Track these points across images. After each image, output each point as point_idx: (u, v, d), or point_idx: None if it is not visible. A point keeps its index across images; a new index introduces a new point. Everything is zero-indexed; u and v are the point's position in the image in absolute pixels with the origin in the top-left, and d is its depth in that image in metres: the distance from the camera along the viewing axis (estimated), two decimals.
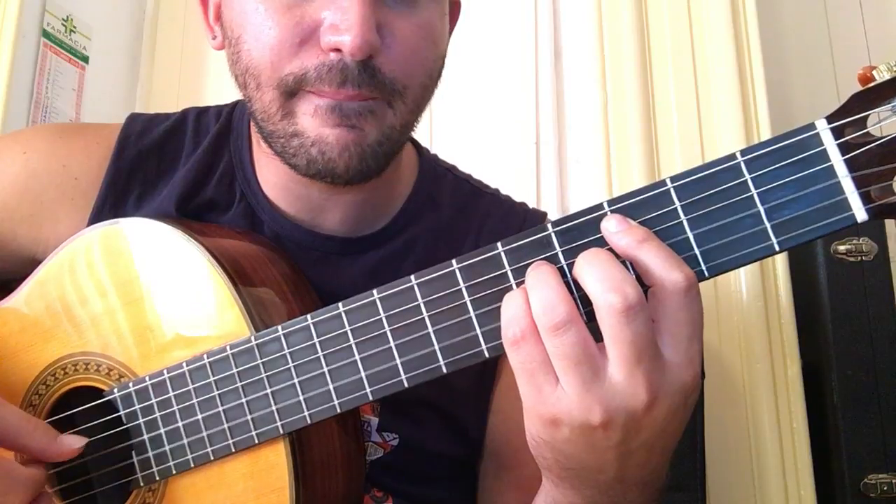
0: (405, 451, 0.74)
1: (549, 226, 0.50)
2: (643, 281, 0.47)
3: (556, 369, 0.47)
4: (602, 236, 0.49)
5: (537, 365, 0.48)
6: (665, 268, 0.46)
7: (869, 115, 0.46)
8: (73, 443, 0.62)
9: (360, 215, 0.75)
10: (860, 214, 0.46)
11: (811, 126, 0.47)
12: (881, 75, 0.46)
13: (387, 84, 0.63)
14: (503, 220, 0.82)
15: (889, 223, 1.29)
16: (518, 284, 0.51)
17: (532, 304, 0.48)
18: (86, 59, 1.80)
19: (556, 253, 0.50)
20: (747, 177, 0.47)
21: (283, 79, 0.63)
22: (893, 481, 1.18)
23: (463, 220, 0.81)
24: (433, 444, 0.75)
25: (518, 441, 0.74)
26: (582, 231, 0.50)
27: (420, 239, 0.78)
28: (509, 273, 0.51)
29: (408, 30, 0.64)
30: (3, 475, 0.58)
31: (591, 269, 0.47)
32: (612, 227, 0.48)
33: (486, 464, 0.78)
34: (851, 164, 0.46)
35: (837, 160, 0.46)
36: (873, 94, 0.46)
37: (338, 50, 0.61)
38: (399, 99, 0.65)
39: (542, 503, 0.58)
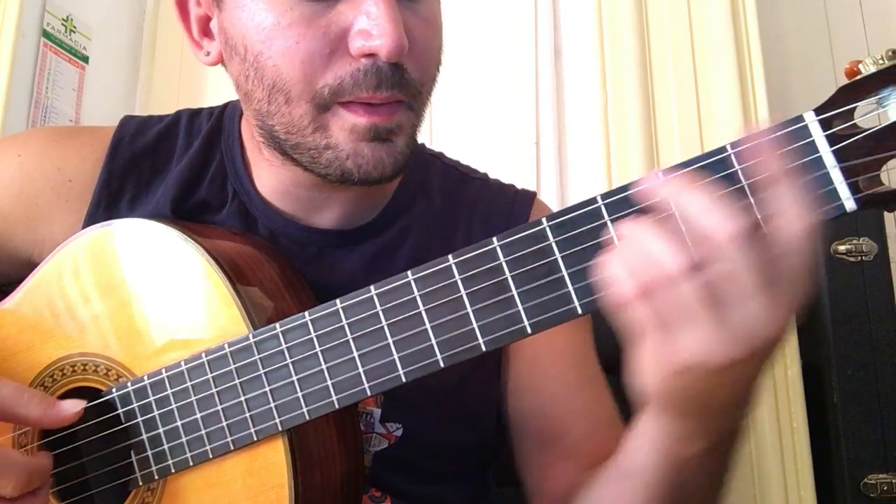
0: (410, 442, 0.73)
1: (544, 220, 0.51)
2: (765, 221, 0.46)
3: (687, 315, 0.45)
4: (597, 228, 0.49)
5: (664, 318, 0.46)
6: (792, 215, 0.45)
7: (856, 107, 0.47)
8: (71, 407, 0.61)
9: (355, 209, 0.76)
10: (849, 204, 0.46)
11: (799, 118, 0.47)
12: (867, 69, 0.47)
13: (411, 84, 0.64)
14: (493, 202, 0.82)
15: (889, 223, 1.29)
16: (513, 279, 0.51)
17: (645, 255, 0.46)
18: (86, 59, 1.81)
19: (551, 244, 0.50)
20: (737, 167, 0.48)
21: (318, 91, 0.63)
22: (893, 481, 1.17)
23: (453, 207, 0.81)
24: (439, 433, 0.75)
25: (556, 411, 0.75)
26: (576, 224, 0.50)
27: (414, 227, 0.78)
28: (504, 266, 0.51)
29: (421, 26, 0.65)
30: None
31: (696, 203, 0.46)
32: (651, 182, 0.48)
33: (525, 446, 0.77)
34: (839, 155, 0.46)
35: (826, 151, 0.47)
36: (859, 87, 0.47)
37: (370, 55, 0.61)
38: (419, 98, 0.66)
39: (651, 439, 0.56)
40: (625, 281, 0.46)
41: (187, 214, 0.76)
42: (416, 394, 0.69)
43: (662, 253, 0.45)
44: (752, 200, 0.47)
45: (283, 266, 0.71)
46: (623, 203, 0.49)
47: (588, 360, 0.78)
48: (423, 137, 0.88)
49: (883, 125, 0.46)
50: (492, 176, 0.87)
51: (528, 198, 0.84)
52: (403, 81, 0.63)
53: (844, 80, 0.48)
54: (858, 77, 0.47)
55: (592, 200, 0.50)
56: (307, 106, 0.64)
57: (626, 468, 0.59)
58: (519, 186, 0.86)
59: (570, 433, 0.74)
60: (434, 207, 0.80)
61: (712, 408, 0.51)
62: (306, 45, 0.62)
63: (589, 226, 0.50)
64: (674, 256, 0.45)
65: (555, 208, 1.57)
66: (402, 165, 0.67)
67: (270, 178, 0.75)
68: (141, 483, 0.64)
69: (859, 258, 1.24)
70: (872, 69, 0.47)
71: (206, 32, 0.71)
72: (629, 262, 0.46)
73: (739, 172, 0.48)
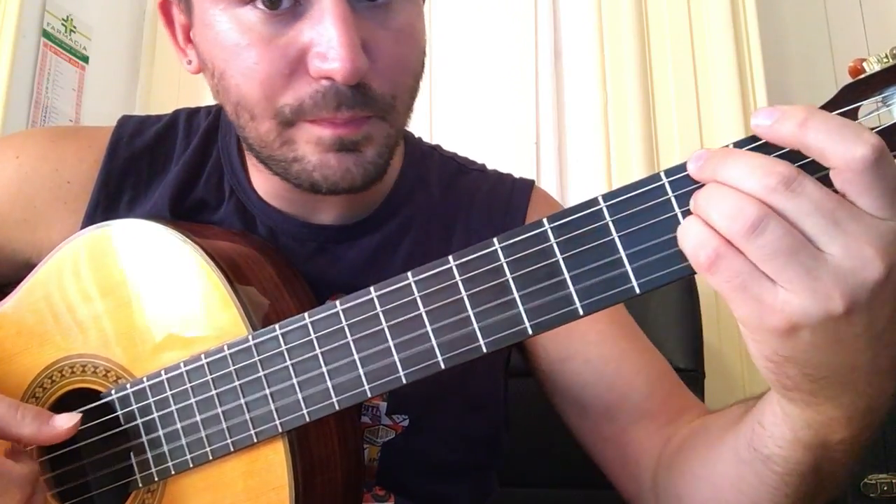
0: (417, 432, 0.73)
1: (545, 221, 0.50)
2: (822, 163, 0.43)
3: (771, 271, 0.42)
4: (599, 229, 0.49)
5: (746, 276, 0.43)
6: (843, 143, 0.41)
7: (859, 106, 0.45)
8: (66, 422, 0.60)
9: (353, 205, 0.76)
10: None
11: None
12: (871, 67, 0.46)
13: (378, 99, 0.63)
14: (491, 192, 0.82)
15: None
16: (514, 280, 0.51)
17: (713, 219, 0.44)
18: (86, 59, 1.81)
19: (552, 245, 0.50)
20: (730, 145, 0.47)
21: (279, 110, 0.62)
22: (893, 481, 1.17)
23: (452, 198, 0.81)
24: (445, 422, 0.75)
25: (609, 373, 0.73)
26: (577, 225, 0.50)
27: (415, 219, 0.78)
28: (505, 267, 0.51)
29: (389, 40, 0.63)
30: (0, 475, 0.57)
31: (736, 167, 0.44)
32: (765, 120, 0.44)
33: (589, 421, 0.75)
34: None
35: None
36: (863, 86, 0.46)
37: (329, 78, 0.60)
38: (391, 110, 0.65)
39: (788, 430, 0.51)
40: (692, 255, 0.45)
41: (185, 214, 0.76)
42: (421, 385, 0.69)
43: (720, 219, 0.43)
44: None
45: (281, 265, 0.71)
46: (624, 203, 0.49)
47: (623, 315, 0.77)
48: (423, 137, 0.88)
49: (886, 125, 0.45)
50: None
51: (527, 185, 0.84)
52: (367, 100, 0.62)
53: (844, 80, 0.47)
54: (863, 76, 0.46)
55: (594, 201, 0.50)
56: (271, 122, 0.63)
57: (754, 455, 0.55)
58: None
59: (633, 391, 0.72)
60: (433, 199, 0.80)
61: (843, 382, 0.46)
62: (265, 66, 0.61)
63: (591, 227, 0.49)
64: (735, 220, 0.42)
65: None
66: (375, 175, 0.66)
67: (265, 181, 0.75)
68: (141, 485, 0.64)
69: None
70: (877, 67, 0.46)
71: (189, 40, 0.71)
72: (688, 239, 0.45)
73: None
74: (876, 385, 0.47)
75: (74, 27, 1.77)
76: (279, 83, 0.61)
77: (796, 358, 0.45)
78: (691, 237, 0.45)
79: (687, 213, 0.47)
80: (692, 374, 1.15)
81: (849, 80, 0.47)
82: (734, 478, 0.58)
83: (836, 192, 0.43)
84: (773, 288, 0.43)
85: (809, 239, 0.42)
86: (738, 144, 0.47)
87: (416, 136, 0.87)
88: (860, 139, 0.41)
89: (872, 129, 0.45)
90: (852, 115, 0.46)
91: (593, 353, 0.74)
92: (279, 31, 0.61)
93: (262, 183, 0.75)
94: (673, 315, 1.19)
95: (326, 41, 0.59)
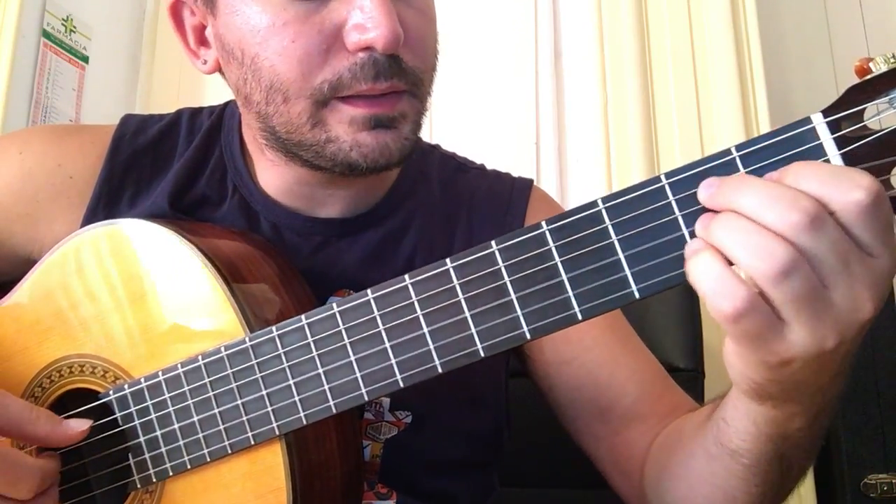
0: (420, 428, 0.74)
1: (544, 223, 0.50)
2: None
3: (785, 314, 0.43)
4: (598, 232, 0.49)
5: (766, 327, 0.43)
6: (839, 190, 0.42)
7: (866, 108, 0.45)
8: (77, 426, 0.61)
9: (357, 199, 0.76)
10: None
11: (807, 120, 0.46)
12: (878, 67, 0.45)
13: (409, 73, 0.65)
14: (491, 190, 0.82)
15: None
16: (512, 284, 0.51)
17: (738, 254, 0.42)
18: (86, 59, 1.81)
19: (550, 249, 0.50)
20: (742, 171, 0.46)
21: (317, 87, 0.63)
22: (893, 481, 1.18)
23: (453, 195, 0.81)
24: (447, 418, 0.75)
25: (603, 376, 0.74)
26: (576, 228, 0.49)
27: (417, 213, 0.79)
28: (503, 271, 0.51)
29: (415, 17, 0.66)
30: (12, 465, 0.58)
31: (756, 197, 0.42)
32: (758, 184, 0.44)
33: (582, 422, 0.76)
34: (848, 159, 0.45)
35: (834, 154, 0.45)
36: (870, 87, 0.45)
37: (366, 48, 0.62)
38: (420, 86, 0.67)
39: (751, 424, 0.53)
40: (716, 301, 0.43)
41: (186, 209, 0.76)
42: (423, 381, 0.69)
43: (748, 256, 0.42)
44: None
45: (281, 265, 0.71)
46: (624, 206, 0.49)
47: (619, 320, 0.78)
48: (423, 137, 0.89)
49: (894, 127, 0.44)
50: None
51: (527, 185, 0.85)
52: (402, 71, 0.64)
53: (844, 80, 0.46)
54: (869, 76, 0.45)
55: (593, 204, 0.49)
56: (305, 103, 0.64)
57: (722, 450, 0.57)
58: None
59: (624, 396, 0.74)
60: (434, 195, 0.81)
61: (812, 389, 0.49)
62: (302, 43, 0.62)
63: (590, 230, 0.49)
64: (764, 261, 0.42)
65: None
66: (409, 151, 0.68)
67: (274, 178, 0.75)
68: (139, 486, 0.64)
69: None
70: (884, 68, 0.45)
71: (202, 41, 0.72)
72: (710, 280, 0.43)
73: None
74: (835, 384, 0.50)
75: (74, 27, 1.77)
76: (317, 60, 0.63)
77: (780, 380, 0.47)
78: (711, 278, 0.43)
79: (689, 217, 0.46)
80: (692, 374, 1.15)
81: (851, 79, 0.46)
82: (706, 473, 0.60)
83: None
84: (782, 330, 0.43)
85: (822, 280, 0.43)
86: (740, 147, 0.46)
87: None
88: (856, 184, 0.42)
89: (879, 132, 0.44)
90: (858, 116, 0.45)
91: (588, 357, 0.75)
92: (314, 10, 0.63)
93: (270, 178, 0.76)
94: (673, 315, 1.19)
95: (366, 12, 0.61)
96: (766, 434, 0.53)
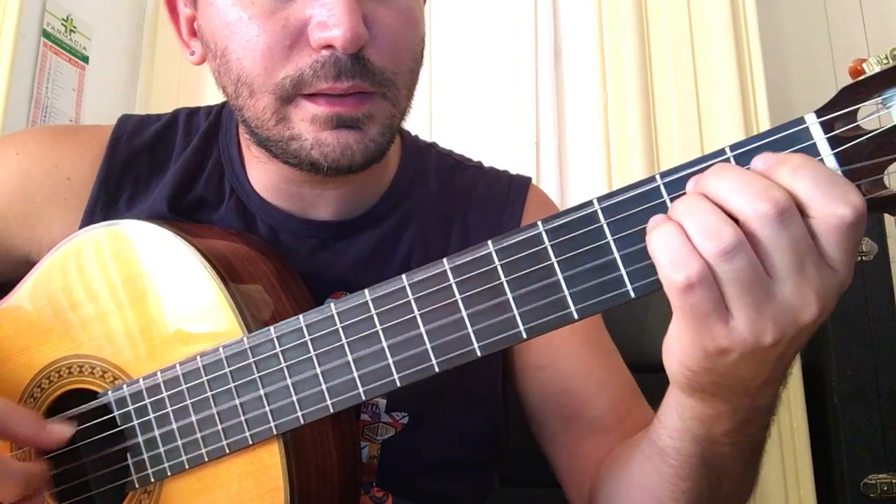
0: (417, 428, 0.74)
1: (540, 223, 0.50)
2: (802, 211, 0.44)
3: (728, 297, 0.44)
4: (593, 232, 0.49)
5: (712, 305, 0.44)
6: (828, 199, 0.43)
7: (859, 108, 0.45)
8: (62, 429, 0.62)
9: (352, 200, 0.76)
10: None
11: (801, 120, 0.46)
12: (871, 68, 0.45)
13: (377, 74, 0.64)
14: (489, 189, 0.82)
15: (889, 223, 1.29)
16: (508, 284, 0.51)
17: (690, 231, 0.44)
18: (86, 59, 1.81)
19: (546, 248, 0.50)
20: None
21: (279, 83, 0.63)
22: (893, 481, 1.18)
23: (450, 194, 0.81)
24: (444, 418, 0.75)
25: (574, 386, 0.75)
26: (572, 227, 0.49)
27: (414, 214, 0.78)
28: (499, 270, 0.51)
29: (390, 18, 0.65)
30: None
31: (729, 183, 0.44)
32: (762, 165, 0.45)
33: (549, 427, 0.77)
34: (842, 158, 0.45)
35: (827, 154, 0.45)
36: (863, 88, 0.45)
37: (329, 46, 0.61)
38: (392, 87, 0.66)
39: (678, 419, 0.55)
40: (668, 269, 0.45)
41: (184, 212, 0.76)
42: (420, 382, 0.69)
43: (697, 233, 0.44)
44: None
45: (278, 265, 0.71)
46: (619, 206, 0.49)
47: (600, 334, 0.79)
48: (423, 137, 0.89)
49: (886, 127, 0.44)
50: None
51: (524, 183, 0.85)
52: (367, 71, 0.63)
53: (844, 80, 0.46)
54: (862, 77, 0.46)
55: (589, 204, 0.49)
56: (269, 98, 0.64)
57: (653, 449, 0.59)
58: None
59: (592, 407, 0.74)
60: (432, 194, 0.81)
61: (742, 388, 0.50)
62: (267, 38, 0.62)
63: (585, 229, 0.49)
64: (710, 239, 0.43)
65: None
66: (377, 154, 0.67)
67: (262, 175, 0.75)
68: (137, 485, 0.64)
69: (859, 258, 1.24)
70: (877, 69, 0.45)
71: (193, 32, 0.72)
72: (666, 248, 0.45)
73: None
74: (764, 390, 0.51)
75: (74, 27, 1.77)
76: (279, 55, 0.63)
77: (715, 370, 0.48)
78: (668, 248, 0.45)
79: None
80: None
81: (849, 80, 0.47)
82: (640, 476, 0.61)
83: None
84: (726, 316, 0.45)
85: (769, 271, 0.44)
86: (734, 147, 0.47)
87: (413, 133, 0.87)
88: (846, 200, 0.43)
89: (872, 132, 0.45)
90: (851, 116, 0.45)
91: (564, 364, 0.76)
92: (280, 5, 0.62)
93: (260, 178, 0.76)
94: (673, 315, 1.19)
95: (328, 10, 0.61)
96: (691, 433, 0.54)
